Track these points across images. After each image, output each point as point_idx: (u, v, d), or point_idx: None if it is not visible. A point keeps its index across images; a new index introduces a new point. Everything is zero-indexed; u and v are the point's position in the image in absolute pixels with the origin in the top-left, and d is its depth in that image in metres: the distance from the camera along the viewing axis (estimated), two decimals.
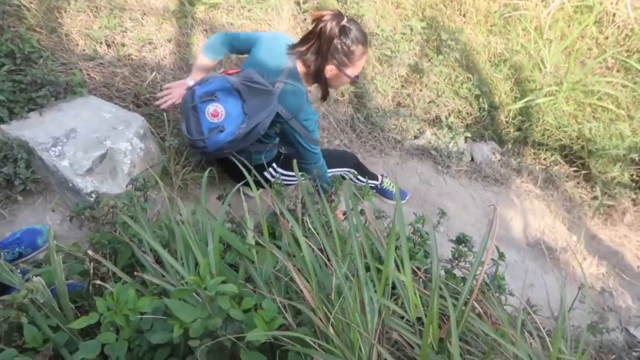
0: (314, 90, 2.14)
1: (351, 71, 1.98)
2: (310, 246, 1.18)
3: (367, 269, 1.28)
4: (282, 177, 2.27)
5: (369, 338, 0.99)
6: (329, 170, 2.36)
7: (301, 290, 1.05)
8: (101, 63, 2.49)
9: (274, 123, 1.97)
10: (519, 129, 3.56)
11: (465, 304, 1.31)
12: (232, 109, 1.85)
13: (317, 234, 1.19)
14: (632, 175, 3.40)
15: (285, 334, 1.00)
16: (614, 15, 4.14)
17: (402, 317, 1.28)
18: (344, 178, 2.57)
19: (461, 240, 1.97)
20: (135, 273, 1.23)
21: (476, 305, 1.33)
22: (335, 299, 1.03)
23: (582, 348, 1.23)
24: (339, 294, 1.04)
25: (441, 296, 1.47)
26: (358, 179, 2.58)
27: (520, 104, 3.52)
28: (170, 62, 2.73)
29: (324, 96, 2.13)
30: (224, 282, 1.10)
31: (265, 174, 2.27)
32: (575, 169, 3.49)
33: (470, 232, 2.77)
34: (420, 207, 2.82)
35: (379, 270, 1.32)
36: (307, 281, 1.12)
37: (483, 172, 3.22)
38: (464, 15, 3.93)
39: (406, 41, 3.52)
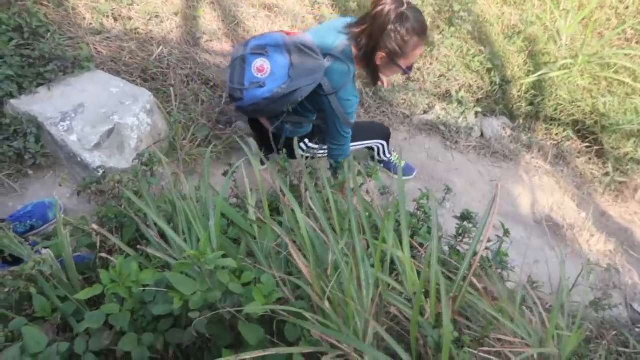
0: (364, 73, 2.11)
1: (403, 62, 1.92)
2: (310, 223, 1.20)
3: (369, 246, 1.30)
4: (313, 151, 2.31)
5: (364, 313, 1.01)
6: (359, 143, 2.38)
7: (299, 266, 1.07)
8: (108, 37, 2.50)
9: (314, 94, 1.93)
10: (531, 104, 3.49)
11: (464, 279, 1.32)
12: (278, 69, 1.83)
13: (313, 210, 1.20)
14: None
15: (282, 308, 1.02)
16: None
17: (402, 293, 1.31)
18: (372, 149, 2.58)
19: (465, 216, 1.97)
20: (138, 247, 1.26)
21: (474, 281, 1.34)
22: (332, 274, 1.05)
23: (578, 324, 1.24)
24: (336, 269, 1.06)
25: (442, 272, 1.49)
26: (381, 153, 2.59)
27: (533, 78, 3.45)
28: (177, 35, 2.72)
29: (373, 82, 2.10)
30: (224, 256, 1.12)
31: (295, 149, 2.29)
32: (587, 144, 3.43)
33: (477, 208, 2.78)
34: (428, 183, 2.81)
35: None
36: (305, 257, 1.14)
37: (492, 147, 3.19)
38: None
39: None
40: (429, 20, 3.49)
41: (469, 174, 2.97)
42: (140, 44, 2.56)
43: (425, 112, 3.29)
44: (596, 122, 3.37)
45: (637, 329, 2.34)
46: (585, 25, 3.73)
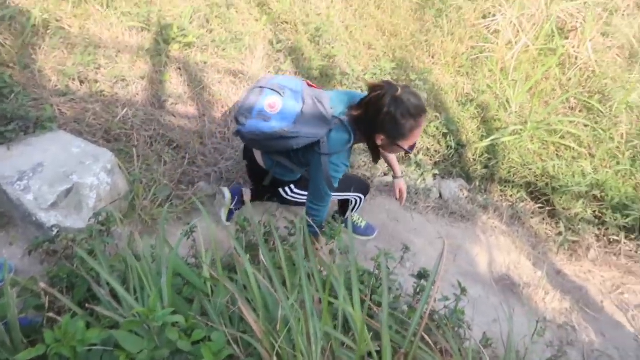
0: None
1: (403, 143, 1.96)
2: (262, 280, 1.21)
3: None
4: (298, 197, 2.34)
5: None
6: (339, 194, 2.39)
7: (249, 322, 1.08)
8: (73, 99, 2.54)
9: (310, 148, 1.97)
10: (486, 167, 3.66)
11: (415, 335, 1.34)
12: (287, 111, 1.88)
13: (265, 266, 1.22)
14: (594, 211, 3.50)
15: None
16: (576, 57, 4.36)
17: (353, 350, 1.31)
18: (349, 202, 2.56)
19: (422, 275, 2.01)
20: (87, 305, 1.24)
21: (427, 338, 1.36)
22: (281, 329, 1.06)
23: None
24: (286, 325, 1.07)
25: (397, 331, 1.51)
26: (355, 207, 2.60)
27: (486, 142, 3.64)
28: (143, 98, 2.79)
29: (374, 160, 2.16)
30: (175, 313, 1.12)
31: (280, 190, 2.30)
32: (540, 205, 3.58)
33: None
34: (388, 243, 2.86)
35: (332, 304, 1.36)
36: (256, 313, 1.14)
37: (450, 208, 3.29)
38: (432, 57, 4.10)
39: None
40: None
41: (428, 234, 3.04)
42: (105, 105, 2.61)
43: (385, 174, 3.40)
44: (547, 184, 3.54)
45: None
46: (532, 95, 4.01)
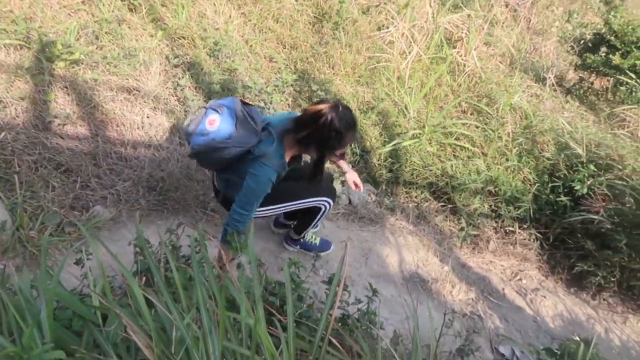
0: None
1: (339, 151, 2.23)
2: (156, 302, 1.14)
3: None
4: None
5: None
6: (305, 200, 2.45)
7: (141, 347, 1.00)
8: None
9: (245, 159, 2.08)
10: (391, 171, 3.80)
11: (323, 339, 1.33)
12: (224, 126, 2.02)
13: (154, 288, 1.15)
14: (490, 206, 3.76)
15: None
16: (464, 65, 4.69)
17: None
18: (318, 209, 2.54)
19: (332, 280, 2.01)
20: None
21: (335, 342, 1.35)
22: (176, 350, 1.00)
23: None
24: (181, 345, 1.01)
25: (309, 340, 1.49)
26: (323, 216, 2.61)
27: (389, 147, 3.78)
28: (24, 120, 2.56)
29: (314, 177, 2.24)
30: (59, 348, 1.01)
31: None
32: (442, 203, 3.78)
33: (349, 272, 2.87)
34: (300, 253, 2.85)
35: (236, 319, 1.31)
36: (151, 338, 1.07)
37: (359, 213, 3.36)
38: (332, 68, 4.20)
39: (279, 93, 3.66)
40: (290, 100, 3.73)
41: (339, 240, 3.08)
42: None
43: None
44: (447, 183, 3.74)
45: None
46: (427, 100, 4.24)
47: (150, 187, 2.78)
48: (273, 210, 2.41)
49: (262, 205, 2.27)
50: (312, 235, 2.85)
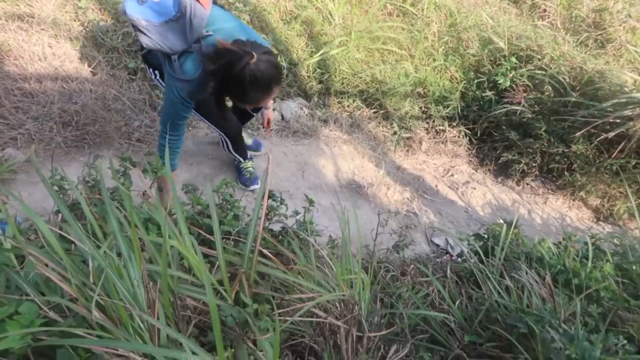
0: None
1: (247, 105, 2.05)
2: (68, 235, 1.09)
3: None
4: (158, 83, 2.23)
5: (138, 310, 0.95)
6: (213, 125, 2.38)
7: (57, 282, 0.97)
8: None
9: (165, 58, 1.89)
10: (321, 82, 3.73)
11: (253, 252, 1.34)
12: (163, 8, 1.77)
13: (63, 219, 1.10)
14: (421, 107, 3.82)
15: (43, 330, 0.91)
16: None
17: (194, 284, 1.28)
18: (220, 143, 2.55)
19: (269, 196, 2.02)
20: None
21: (267, 252, 1.37)
22: (96, 280, 0.97)
23: (361, 262, 1.35)
24: (99, 277, 0.98)
25: (237, 254, 1.50)
26: (229, 149, 2.56)
27: (316, 58, 3.68)
28: None
29: (218, 104, 2.04)
30: None
31: (150, 71, 2.20)
32: (374, 110, 3.80)
33: (286, 186, 2.88)
34: (234, 173, 2.82)
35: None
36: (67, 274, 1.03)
37: (292, 128, 3.33)
38: None
39: None
40: None
41: (274, 157, 3.06)
42: None
43: None
44: (377, 89, 3.74)
45: (437, 260, 2.67)
46: (352, 5, 4.10)
47: (65, 123, 2.59)
48: (197, 117, 2.37)
49: (159, 80, 2.22)
50: (250, 165, 2.78)
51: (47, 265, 0.99)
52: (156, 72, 2.19)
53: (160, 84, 2.20)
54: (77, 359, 0.96)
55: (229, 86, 1.82)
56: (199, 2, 1.82)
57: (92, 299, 0.94)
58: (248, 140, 2.84)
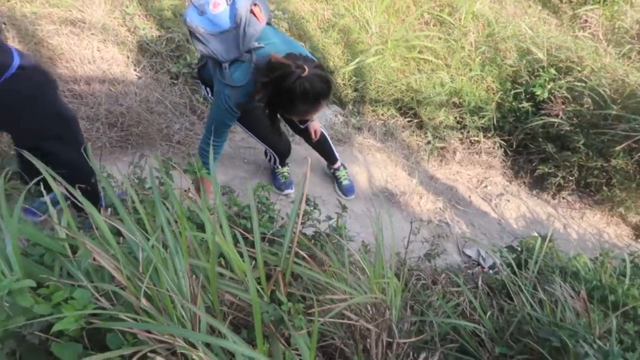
0: None
1: (295, 117, 2.20)
2: (121, 228, 1.16)
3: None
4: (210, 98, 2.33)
5: (182, 300, 1.01)
6: (261, 141, 2.51)
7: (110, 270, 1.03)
8: None
9: (215, 67, 1.98)
10: (356, 90, 3.77)
11: (290, 253, 1.38)
12: (220, 20, 1.87)
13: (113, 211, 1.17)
14: (455, 117, 3.81)
15: (97, 312, 0.98)
16: None
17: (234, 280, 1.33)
18: (266, 155, 2.71)
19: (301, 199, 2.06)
20: None
21: (303, 254, 1.41)
22: (144, 271, 1.03)
23: (394, 269, 1.37)
24: (148, 267, 1.04)
25: (274, 253, 1.55)
26: (274, 164, 2.73)
27: (352, 66, 3.73)
28: None
29: (271, 122, 2.08)
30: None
31: (203, 87, 2.37)
32: (409, 119, 3.81)
33: (320, 192, 2.93)
34: (269, 176, 2.88)
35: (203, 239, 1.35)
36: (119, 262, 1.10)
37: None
38: None
39: None
40: None
41: (309, 163, 3.10)
42: None
43: None
44: (412, 98, 3.75)
45: (468, 271, 2.66)
46: (389, 14, 4.13)
47: (111, 124, 2.71)
48: (244, 131, 2.46)
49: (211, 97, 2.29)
50: (287, 169, 2.86)
51: (100, 254, 1.06)
52: (208, 89, 2.31)
53: (212, 100, 2.30)
54: (126, 344, 1.02)
55: (279, 98, 1.88)
56: (254, 15, 1.91)
57: (141, 288, 1.00)
58: (345, 182, 2.97)
